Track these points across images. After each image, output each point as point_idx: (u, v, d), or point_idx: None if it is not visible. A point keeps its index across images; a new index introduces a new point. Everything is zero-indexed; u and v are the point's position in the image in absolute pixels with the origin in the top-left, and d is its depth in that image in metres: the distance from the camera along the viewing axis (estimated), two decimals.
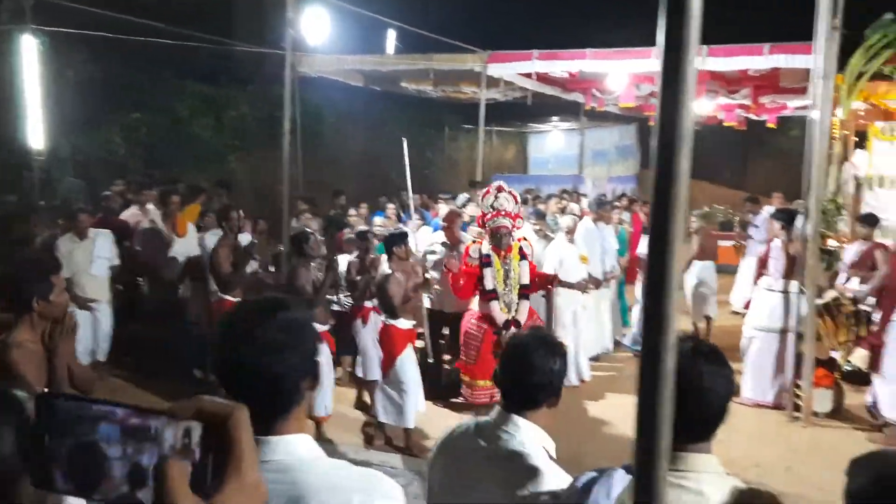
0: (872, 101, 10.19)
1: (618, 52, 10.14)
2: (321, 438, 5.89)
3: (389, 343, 5.99)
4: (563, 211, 10.80)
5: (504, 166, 19.39)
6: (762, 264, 7.43)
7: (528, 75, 11.25)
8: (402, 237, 6.30)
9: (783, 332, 6.98)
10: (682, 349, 1.68)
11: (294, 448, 1.39)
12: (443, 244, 7.31)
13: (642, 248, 8.67)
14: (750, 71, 11.05)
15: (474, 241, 6.33)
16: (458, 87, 12.84)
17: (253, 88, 13.44)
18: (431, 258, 7.26)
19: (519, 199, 6.25)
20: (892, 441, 6.16)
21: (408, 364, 5.97)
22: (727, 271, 10.77)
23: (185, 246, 7.76)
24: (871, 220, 7.87)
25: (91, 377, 3.35)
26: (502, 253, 5.99)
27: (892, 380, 6.31)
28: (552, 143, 20.57)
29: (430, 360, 6.98)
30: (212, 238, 7.33)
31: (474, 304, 6.17)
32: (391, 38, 14.11)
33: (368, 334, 6.51)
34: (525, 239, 6.36)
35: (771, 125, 16.25)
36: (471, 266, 6.00)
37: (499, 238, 5.95)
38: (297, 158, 9.78)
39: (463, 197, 10.32)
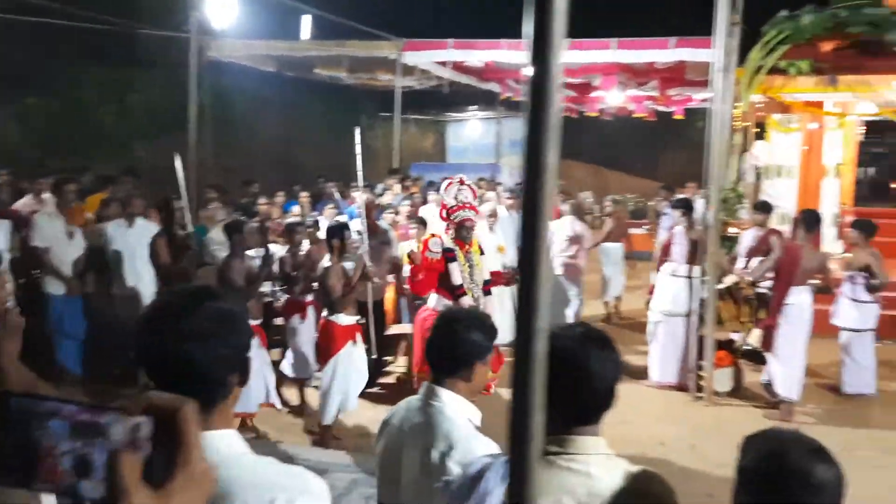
0: (770, 95, 10.65)
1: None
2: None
3: (328, 340, 5.84)
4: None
5: (422, 154, 19.37)
6: (665, 251, 7.70)
7: (444, 64, 11.27)
8: (341, 229, 6.16)
9: (687, 315, 7.24)
10: (572, 334, 1.72)
11: (219, 444, 1.34)
12: (358, 232, 7.22)
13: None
14: (657, 64, 11.41)
15: (433, 235, 6.05)
16: (374, 75, 12.75)
17: (161, 72, 12.94)
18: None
19: (477, 193, 6.14)
20: (786, 417, 6.51)
21: (342, 363, 5.79)
22: (643, 258, 11.11)
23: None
24: (765, 208, 8.27)
25: (30, 379, 3.14)
26: (465, 247, 5.84)
27: (784, 360, 6.66)
28: (470, 131, 20.69)
29: (374, 356, 6.72)
30: (116, 228, 7.03)
31: (432, 300, 5.93)
32: (306, 23, 13.86)
33: (306, 331, 6.37)
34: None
35: (679, 117, 16.82)
36: (431, 260, 5.79)
37: (464, 232, 5.79)
38: (207, 145, 9.49)
39: (381, 186, 10.26)
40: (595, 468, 1.66)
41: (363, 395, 6.74)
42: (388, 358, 7.64)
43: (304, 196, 9.50)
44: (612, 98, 15.66)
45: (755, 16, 10.05)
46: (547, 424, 1.47)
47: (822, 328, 7.10)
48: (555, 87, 0.92)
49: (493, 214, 7.78)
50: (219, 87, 11.18)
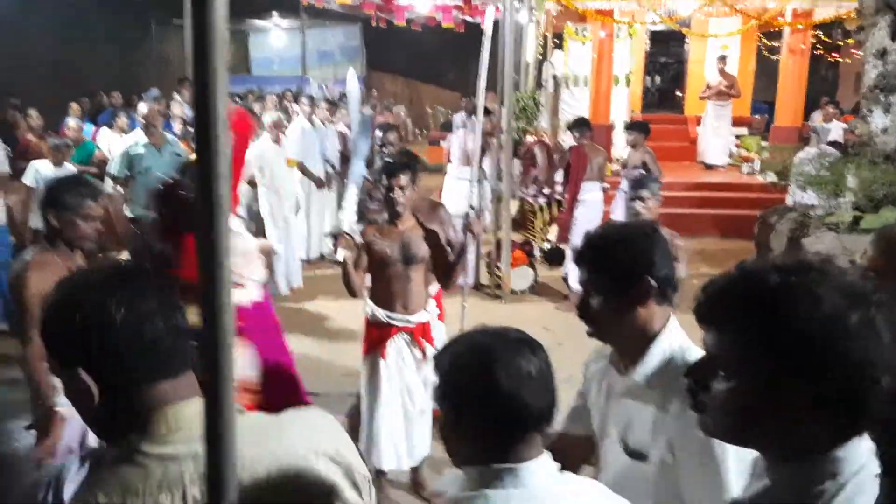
0: (565, 3, 10.97)
1: None
2: None
3: None
4: (286, 112, 10.47)
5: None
6: (448, 157, 7.93)
7: None
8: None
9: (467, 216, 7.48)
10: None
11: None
12: (145, 146, 6.55)
13: None
14: None
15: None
16: None
17: None
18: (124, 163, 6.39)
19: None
20: (573, 307, 7.02)
21: None
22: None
23: None
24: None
25: None
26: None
27: None
28: (275, 41, 19.69)
29: None
30: None
31: None
32: None
33: None
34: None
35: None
36: None
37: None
38: None
39: (154, 91, 9.43)
40: None
41: None
42: None
43: (76, 108, 8.56)
44: (420, 6, 15.48)
45: None
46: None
47: None
48: None
49: (277, 126, 7.34)
50: None
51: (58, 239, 2.93)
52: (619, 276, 1.74)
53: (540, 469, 1.33)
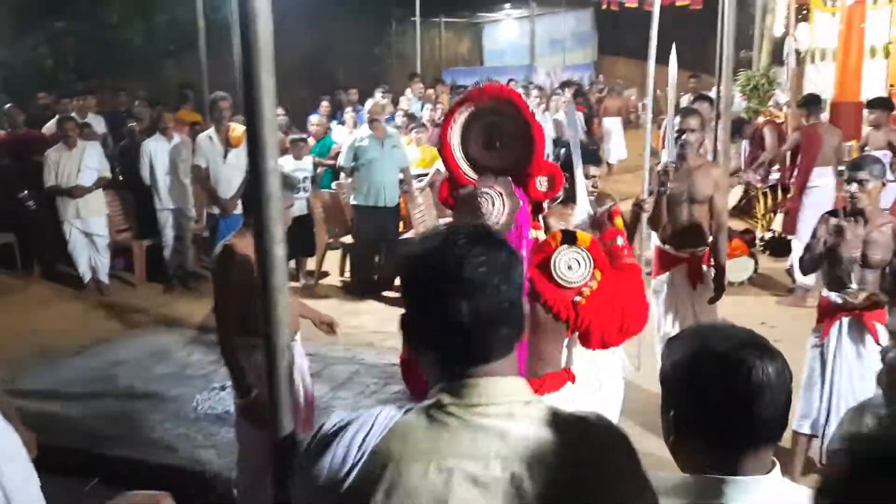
0: None
1: None
2: None
3: None
4: None
5: (459, 60, 18.98)
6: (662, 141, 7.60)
7: None
8: None
9: None
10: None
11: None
12: (368, 138, 7.12)
13: None
14: None
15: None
16: None
17: None
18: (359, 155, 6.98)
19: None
20: (798, 302, 6.46)
21: None
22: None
23: None
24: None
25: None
26: None
27: (805, 242, 6.60)
28: (506, 32, 20.09)
29: None
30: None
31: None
32: None
33: None
34: None
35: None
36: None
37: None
38: (233, 63, 9.50)
39: (382, 87, 10.09)
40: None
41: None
42: None
43: (325, 105, 9.51)
44: None
45: None
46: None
47: None
48: None
49: None
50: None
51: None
52: None
53: (767, 485, 1.23)
